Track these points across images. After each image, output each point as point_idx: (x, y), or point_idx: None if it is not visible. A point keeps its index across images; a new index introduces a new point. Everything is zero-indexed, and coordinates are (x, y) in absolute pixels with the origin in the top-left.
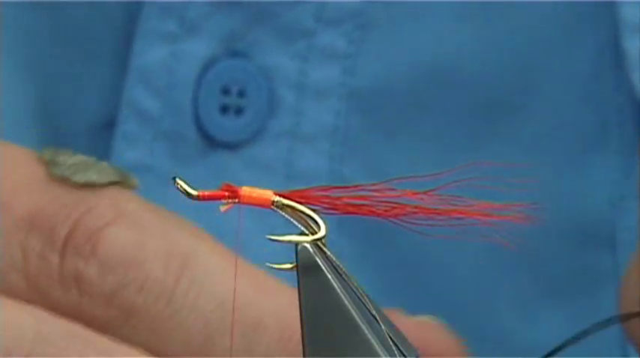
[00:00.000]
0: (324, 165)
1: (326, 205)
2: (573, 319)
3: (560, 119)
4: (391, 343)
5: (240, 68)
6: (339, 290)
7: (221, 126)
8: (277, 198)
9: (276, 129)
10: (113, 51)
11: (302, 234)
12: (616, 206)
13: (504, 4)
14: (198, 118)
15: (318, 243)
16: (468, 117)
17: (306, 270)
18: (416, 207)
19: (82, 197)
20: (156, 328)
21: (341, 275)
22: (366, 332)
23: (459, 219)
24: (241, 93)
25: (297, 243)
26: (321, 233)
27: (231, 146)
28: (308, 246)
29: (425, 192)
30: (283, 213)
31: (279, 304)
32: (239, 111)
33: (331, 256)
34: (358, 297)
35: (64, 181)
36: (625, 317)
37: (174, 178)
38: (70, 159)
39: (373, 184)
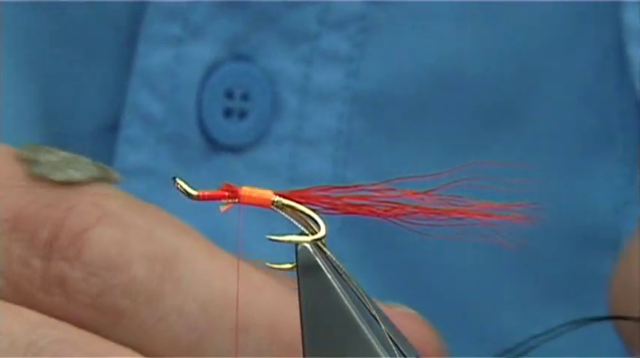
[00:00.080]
0: (328, 168)
1: (326, 205)
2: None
3: (563, 122)
4: (391, 343)
5: (244, 72)
6: (339, 290)
7: (225, 129)
8: (277, 198)
9: (279, 132)
10: (116, 53)
11: (302, 234)
12: (619, 212)
13: (507, 6)
14: (202, 122)
15: (318, 243)
16: (470, 120)
17: (306, 270)
18: (416, 207)
19: (63, 196)
20: (143, 331)
21: (341, 275)
22: (366, 332)
23: (459, 219)
24: (245, 97)
25: (297, 243)
26: (321, 233)
27: (234, 149)
28: (308, 246)
29: (425, 192)
30: (283, 213)
31: (267, 301)
32: (242, 114)
33: (331, 256)
34: (358, 297)
35: (44, 180)
36: (596, 319)
37: (174, 178)
38: (49, 156)
39: (373, 184)
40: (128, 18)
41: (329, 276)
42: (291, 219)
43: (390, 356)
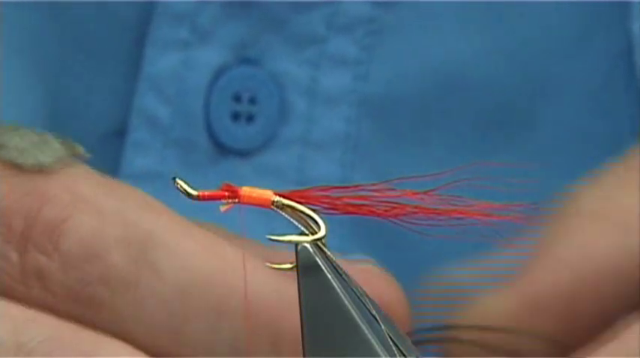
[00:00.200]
0: (336, 172)
1: (326, 205)
2: None
3: (571, 127)
4: (391, 343)
5: (252, 75)
6: (339, 290)
7: (232, 133)
8: (277, 198)
9: (287, 136)
10: (124, 57)
11: (302, 234)
12: None
13: (515, 11)
14: (210, 125)
15: (318, 243)
16: (478, 124)
17: (306, 270)
18: (416, 207)
19: (36, 185)
20: (123, 319)
21: (341, 275)
22: (366, 332)
23: (459, 219)
24: (252, 101)
25: (297, 243)
26: (321, 233)
27: (242, 153)
28: (308, 246)
29: (425, 192)
30: (283, 213)
31: (243, 280)
32: (250, 118)
33: (331, 256)
34: (358, 297)
35: (12, 166)
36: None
37: (174, 178)
38: (16, 140)
39: (373, 184)
40: (136, 21)
41: (329, 276)
42: (291, 219)
43: (390, 356)
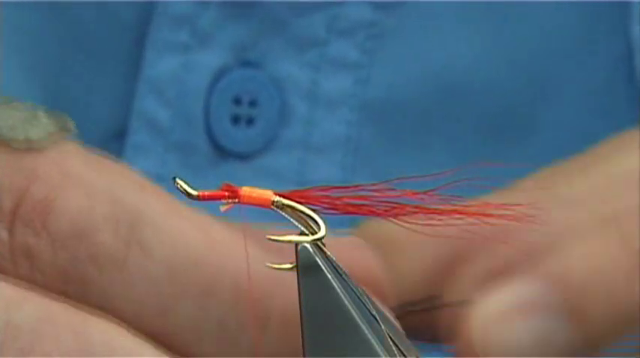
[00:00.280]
0: (337, 175)
1: (326, 205)
2: None
3: (572, 132)
4: (391, 343)
5: (252, 78)
6: (339, 290)
7: (232, 136)
8: (277, 198)
9: (287, 139)
10: (124, 58)
11: (302, 234)
12: None
13: (517, 15)
14: (210, 128)
15: (318, 243)
16: (479, 128)
17: (306, 270)
18: (416, 207)
19: (26, 162)
20: (111, 298)
21: (341, 275)
22: (366, 332)
23: (459, 219)
24: (253, 103)
25: (297, 243)
26: (321, 233)
27: (242, 156)
28: (308, 246)
29: (425, 192)
30: (283, 213)
31: (233, 261)
32: (250, 121)
33: (331, 256)
34: (358, 297)
35: (1, 142)
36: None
37: (174, 178)
38: (5, 116)
39: (373, 184)
40: (137, 23)
41: (329, 276)
42: (291, 219)
43: (390, 356)
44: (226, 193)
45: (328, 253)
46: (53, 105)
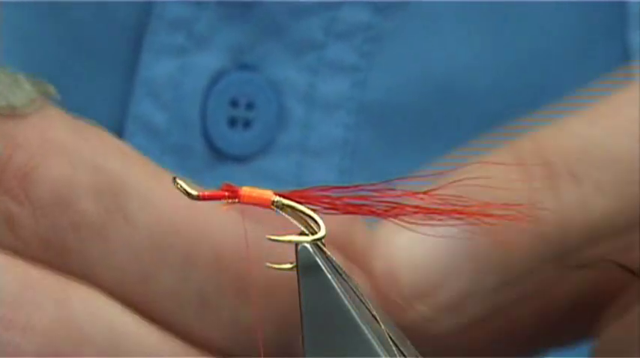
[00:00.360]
0: (334, 178)
1: (326, 205)
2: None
3: None
4: (391, 343)
5: (249, 80)
6: (339, 290)
7: (229, 138)
8: (277, 198)
9: (285, 142)
10: (123, 60)
11: (302, 234)
12: None
13: (516, 18)
14: (206, 131)
15: (318, 243)
16: (477, 132)
17: (306, 270)
18: (416, 207)
19: (8, 130)
20: (93, 266)
21: (341, 275)
22: (366, 332)
23: (458, 219)
24: (250, 106)
25: (297, 243)
26: (321, 233)
27: (239, 159)
28: (308, 245)
29: (425, 192)
30: (283, 213)
31: (214, 229)
32: (247, 124)
33: (331, 256)
34: (358, 297)
35: None
36: None
37: (174, 178)
38: None
39: (373, 184)
40: (135, 25)
41: (329, 276)
42: (291, 219)
43: (390, 356)
44: (226, 193)
45: (328, 253)
46: None
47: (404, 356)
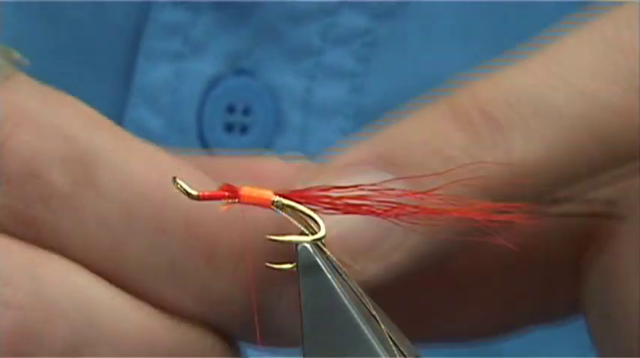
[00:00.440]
0: None
1: (326, 205)
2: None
3: None
4: (391, 343)
5: (246, 86)
6: (339, 290)
7: (225, 144)
8: (277, 198)
9: (282, 147)
10: (119, 65)
11: (302, 234)
12: None
13: (513, 22)
14: (203, 136)
15: (318, 242)
16: None
17: (306, 270)
18: (416, 207)
19: None
20: (63, 238)
21: (341, 275)
22: (366, 332)
23: (458, 219)
24: (246, 112)
25: (297, 243)
26: (321, 233)
27: None
28: (308, 245)
29: (425, 192)
30: (283, 213)
31: (185, 200)
32: (244, 129)
33: (331, 256)
34: (358, 297)
35: None
36: None
37: (174, 178)
38: None
39: (373, 184)
40: (132, 30)
41: (329, 276)
42: (291, 219)
43: (390, 356)
44: (226, 193)
45: (328, 253)
46: None
47: (404, 356)
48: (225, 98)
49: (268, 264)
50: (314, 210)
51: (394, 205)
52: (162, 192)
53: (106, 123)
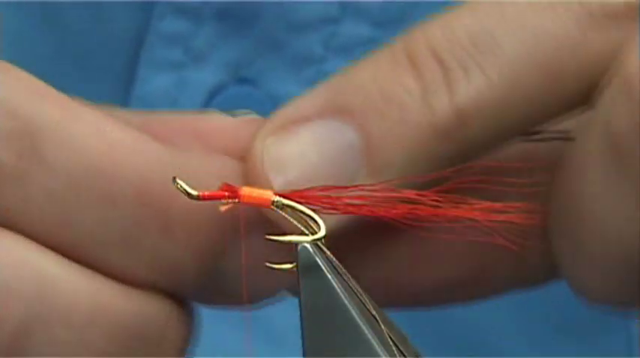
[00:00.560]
0: None
1: (326, 205)
2: (584, 347)
3: None
4: (391, 343)
5: (248, 95)
6: (339, 290)
7: None
8: (277, 198)
9: None
10: (119, 76)
11: (302, 234)
12: None
13: None
14: None
15: (318, 243)
16: None
17: (306, 270)
18: (416, 207)
19: None
20: (10, 214)
21: (341, 275)
22: (366, 332)
23: (458, 219)
24: None
25: (297, 243)
26: (321, 233)
27: None
28: (308, 245)
29: (425, 192)
30: (283, 213)
31: (132, 166)
32: None
33: (331, 256)
34: (358, 297)
35: None
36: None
37: (174, 178)
38: None
39: (373, 184)
40: (132, 41)
41: (329, 276)
42: (292, 219)
43: (390, 356)
44: (226, 193)
45: (328, 253)
46: None
47: (404, 356)
48: (226, 107)
49: (268, 264)
50: (314, 210)
51: (394, 205)
52: (111, 163)
53: (52, 93)
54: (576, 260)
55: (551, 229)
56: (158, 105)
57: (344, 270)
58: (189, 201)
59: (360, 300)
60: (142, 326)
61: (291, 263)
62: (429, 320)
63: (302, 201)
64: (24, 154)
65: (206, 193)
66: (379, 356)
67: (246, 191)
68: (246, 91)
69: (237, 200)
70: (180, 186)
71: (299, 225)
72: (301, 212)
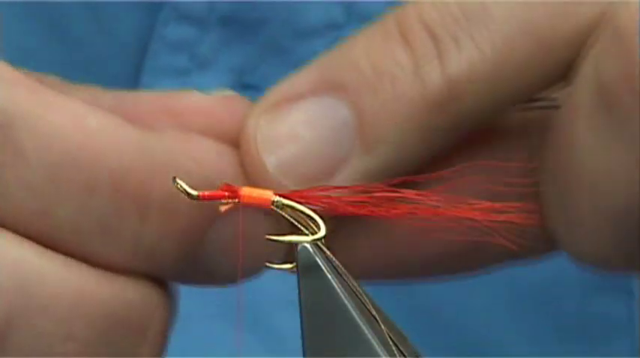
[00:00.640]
0: None
1: (326, 205)
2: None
3: None
4: (391, 343)
5: (252, 101)
6: (339, 290)
7: None
8: (277, 198)
9: None
10: (123, 83)
11: (302, 234)
12: None
13: None
14: None
15: (318, 243)
16: None
17: (306, 270)
18: (416, 207)
19: None
20: None
21: (341, 275)
22: (366, 332)
23: (458, 219)
24: None
25: (297, 243)
26: (321, 233)
27: None
28: (308, 245)
29: (425, 192)
30: (283, 213)
31: (108, 153)
32: None
33: (331, 256)
34: (358, 297)
35: None
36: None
37: (174, 178)
38: None
39: (373, 184)
40: (137, 47)
41: (329, 276)
42: (292, 219)
43: (390, 356)
44: (226, 193)
45: (328, 253)
46: None
47: (404, 356)
48: None
49: (268, 264)
50: (314, 210)
51: (394, 205)
52: (88, 152)
53: (26, 81)
54: (567, 219)
55: (543, 191)
56: None
57: (344, 270)
58: (168, 187)
59: (360, 300)
60: (126, 312)
61: (291, 263)
62: (429, 320)
63: (302, 201)
64: (2, 146)
65: (206, 193)
66: (379, 356)
67: (246, 191)
68: (251, 97)
69: (237, 200)
70: (180, 187)
71: (299, 225)
72: (301, 212)
